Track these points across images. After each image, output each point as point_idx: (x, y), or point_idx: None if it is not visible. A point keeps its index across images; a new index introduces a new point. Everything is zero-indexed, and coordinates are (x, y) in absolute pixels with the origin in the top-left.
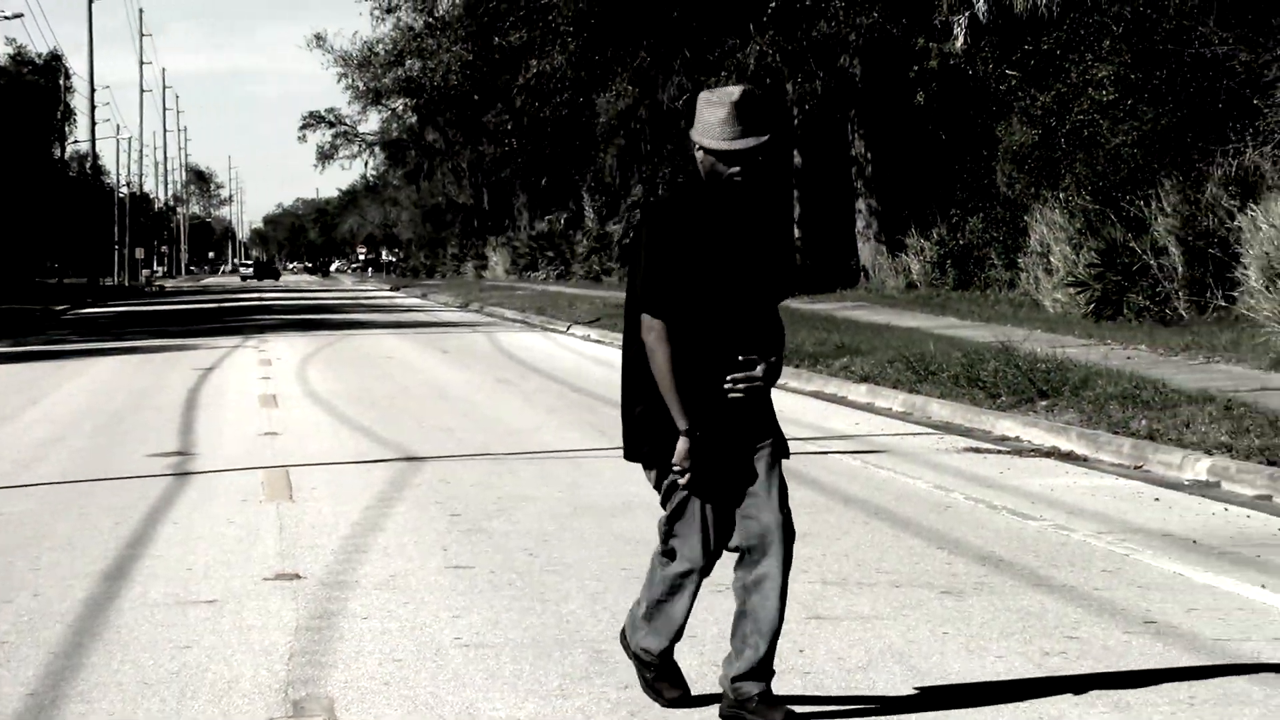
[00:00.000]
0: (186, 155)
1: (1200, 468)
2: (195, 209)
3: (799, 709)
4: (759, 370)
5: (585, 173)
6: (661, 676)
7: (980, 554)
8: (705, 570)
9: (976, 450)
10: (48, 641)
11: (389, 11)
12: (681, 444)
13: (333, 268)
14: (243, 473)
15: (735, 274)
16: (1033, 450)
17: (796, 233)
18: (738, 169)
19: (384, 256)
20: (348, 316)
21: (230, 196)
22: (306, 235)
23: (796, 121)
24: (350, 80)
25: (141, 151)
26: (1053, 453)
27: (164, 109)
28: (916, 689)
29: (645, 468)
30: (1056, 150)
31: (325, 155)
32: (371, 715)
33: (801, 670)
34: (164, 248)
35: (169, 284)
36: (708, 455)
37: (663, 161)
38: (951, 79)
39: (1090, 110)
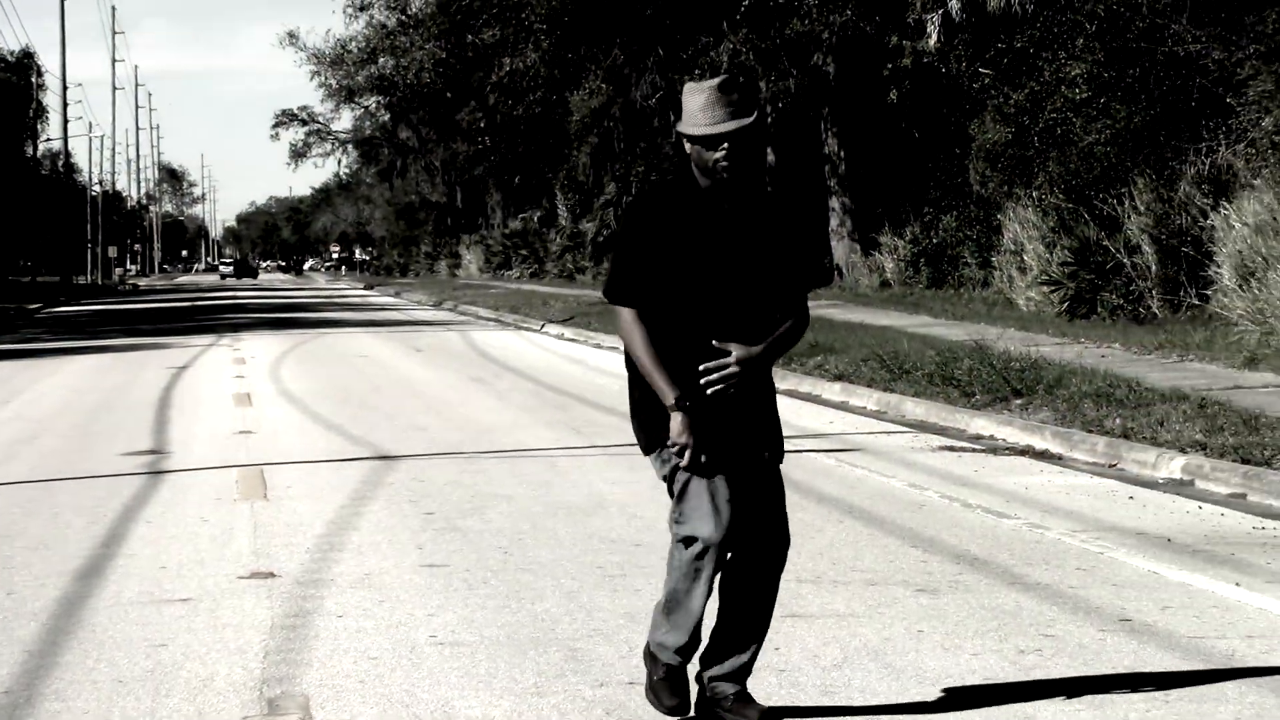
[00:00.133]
0: (159, 153)
1: (1174, 466)
2: (168, 207)
3: (775, 704)
4: (733, 357)
5: (558, 171)
6: (667, 681)
7: (955, 552)
8: (721, 546)
9: (951, 449)
10: (22, 640)
11: (362, 9)
12: (674, 420)
13: (306, 266)
14: (217, 471)
15: (722, 266)
16: (1007, 449)
17: (833, 221)
18: (723, 154)
19: (357, 255)
20: (321, 315)
21: (203, 195)
22: (280, 234)
23: (770, 120)
24: (323, 78)
25: (114, 149)
26: (1027, 451)
27: (136, 107)
28: (892, 687)
29: (648, 454)
30: (1030, 148)
31: (298, 153)
32: (346, 713)
33: (777, 668)
34: (137, 246)
35: (142, 282)
36: (706, 433)
37: (636, 160)
38: (925, 77)
39: (1063, 108)
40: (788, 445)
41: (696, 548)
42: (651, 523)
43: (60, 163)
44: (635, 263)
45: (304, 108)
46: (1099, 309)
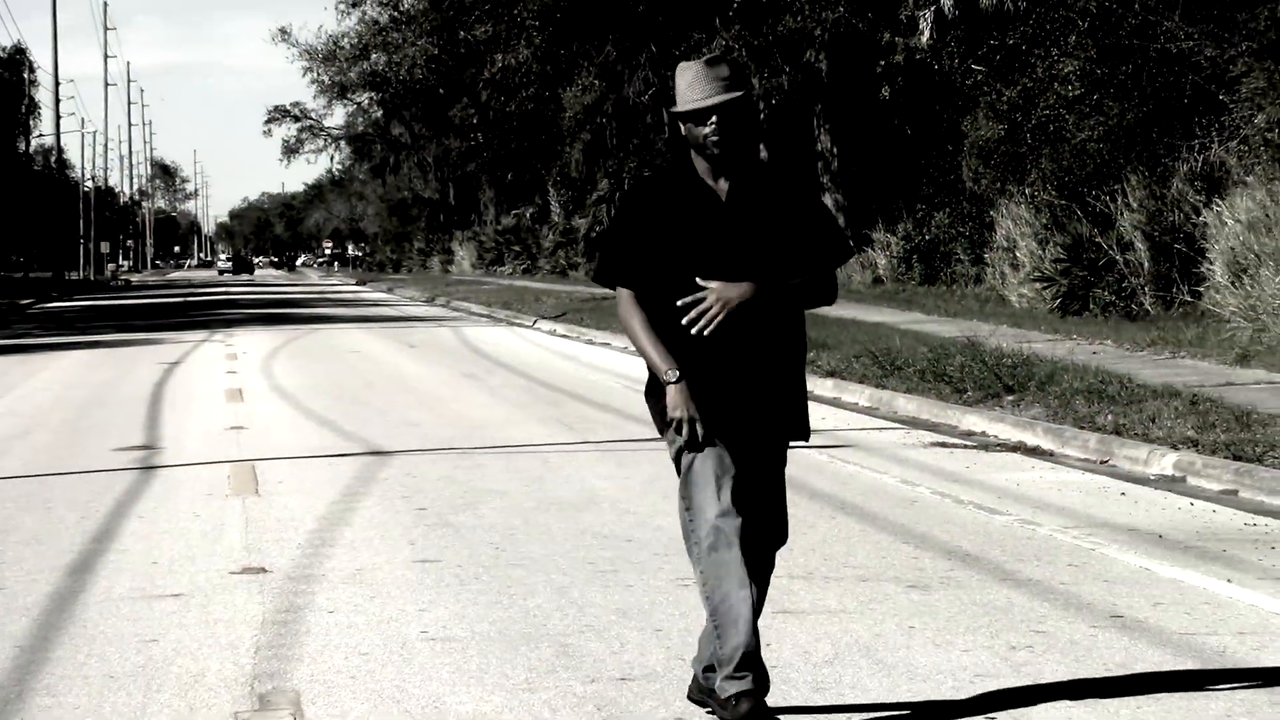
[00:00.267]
0: (151, 149)
1: (1166, 462)
2: (160, 203)
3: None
4: (713, 290)
5: (551, 167)
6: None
7: (947, 548)
8: (734, 522)
9: (943, 445)
10: (13, 635)
11: (354, 5)
12: (670, 393)
13: (299, 262)
14: (209, 467)
15: (722, 248)
16: (999, 445)
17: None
18: (712, 129)
19: (350, 251)
20: (314, 311)
21: (195, 191)
22: (272, 230)
23: (762, 116)
24: (315, 74)
25: (106, 145)
26: (1019, 447)
27: (129, 103)
28: (883, 684)
29: (662, 434)
30: (1022, 145)
31: (290, 149)
32: (337, 709)
33: (768, 664)
34: (129, 242)
35: (135, 278)
36: (711, 408)
37: (629, 156)
38: (917, 74)
39: (1056, 105)
40: None
41: (710, 537)
42: (644, 518)
43: (52, 159)
44: (626, 244)
45: (296, 104)
46: (1091, 306)
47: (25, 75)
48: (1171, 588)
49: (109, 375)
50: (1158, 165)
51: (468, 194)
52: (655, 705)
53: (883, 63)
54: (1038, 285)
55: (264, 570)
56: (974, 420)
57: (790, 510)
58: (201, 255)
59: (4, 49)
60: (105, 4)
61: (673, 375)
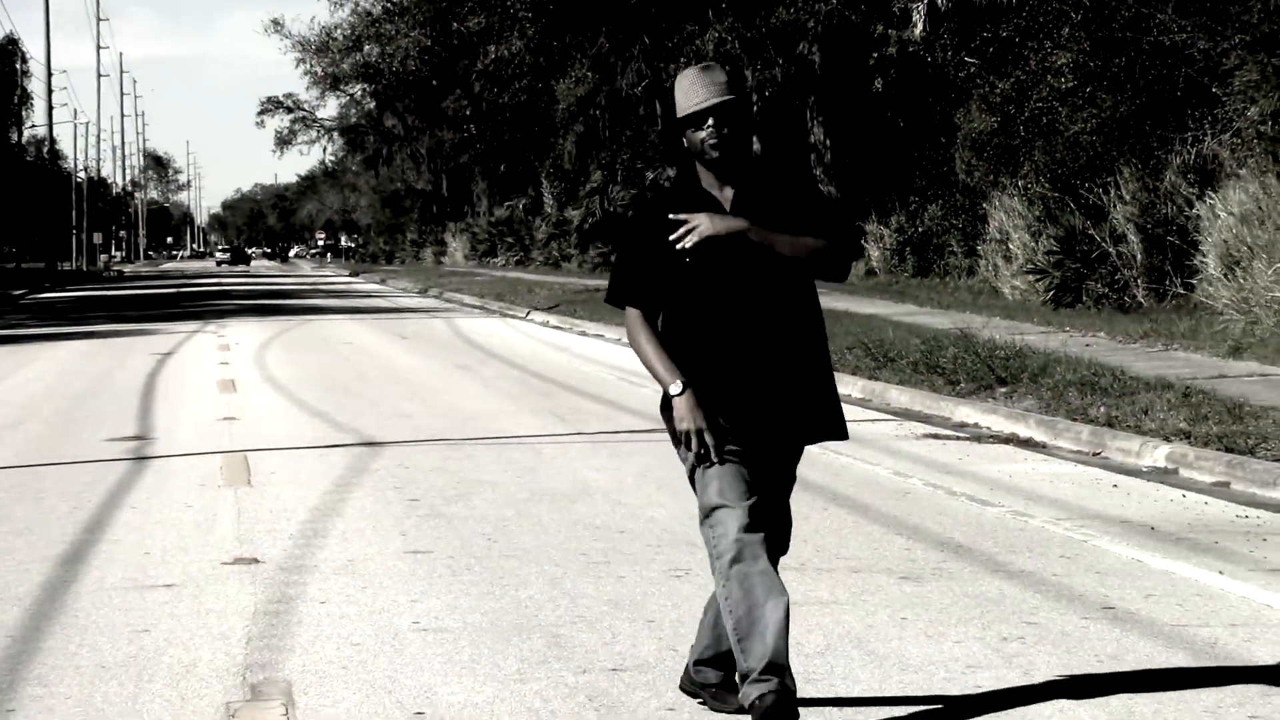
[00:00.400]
0: (144, 140)
1: (1158, 454)
2: (153, 194)
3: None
4: (701, 215)
5: (544, 159)
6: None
7: (939, 540)
8: (759, 535)
9: (935, 436)
10: (5, 625)
11: None
12: (677, 406)
13: (292, 253)
14: (201, 457)
15: (730, 258)
16: (991, 437)
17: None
18: (709, 132)
19: (343, 242)
20: (306, 302)
21: (188, 182)
22: (265, 221)
23: (755, 108)
24: (308, 66)
25: (99, 136)
26: (1011, 439)
27: (121, 94)
28: (875, 675)
29: (678, 445)
30: (1015, 138)
31: (284, 141)
32: (329, 699)
33: None
34: (122, 233)
35: (127, 269)
36: (724, 419)
37: (622, 148)
38: (910, 66)
39: (1049, 98)
40: None
41: (730, 550)
42: (636, 510)
43: (45, 149)
44: (632, 264)
45: (289, 95)
46: (1084, 298)
47: (18, 66)
48: (1163, 579)
49: (102, 366)
50: (1151, 158)
51: (461, 185)
52: (647, 696)
53: (876, 55)
54: (1031, 277)
55: (256, 561)
56: (967, 412)
57: None
58: (194, 246)
59: None
60: None
61: (676, 387)
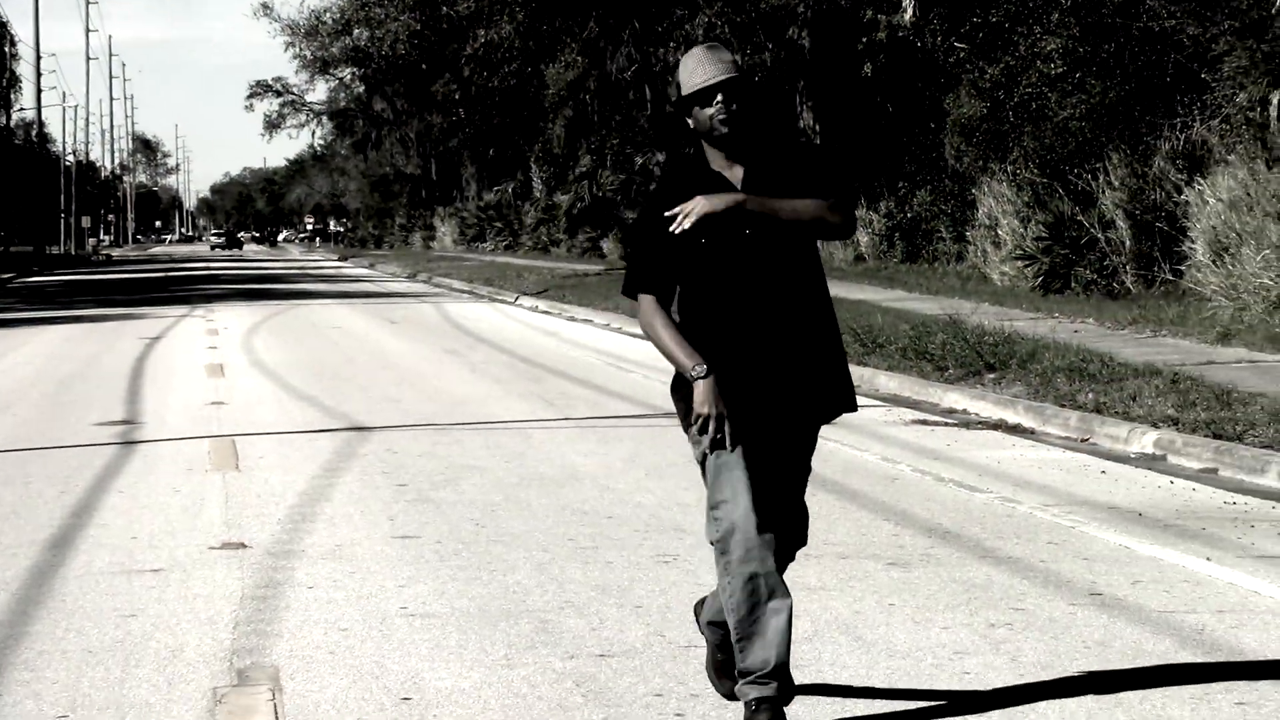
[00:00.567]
0: (133, 124)
1: (1147, 441)
2: (142, 178)
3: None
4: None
5: (533, 143)
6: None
7: (927, 526)
8: (769, 536)
9: (924, 422)
10: None
11: None
12: (698, 389)
13: (280, 238)
14: (189, 442)
15: (742, 242)
16: (980, 423)
17: None
18: (718, 108)
19: (332, 226)
20: (295, 286)
21: (177, 165)
22: (254, 205)
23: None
24: (297, 49)
25: (88, 120)
26: (1000, 425)
27: (110, 77)
28: (862, 660)
29: (687, 429)
30: (1005, 123)
31: (272, 124)
32: (316, 684)
33: None
34: (111, 216)
35: (116, 253)
36: (740, 406)
37: (611, 133)
38: (900, 51)
39: (1038, 83)
40: None
41: (738, 549)
42: (624, 495)
43: (33, 133)
44: (647, 252)
45: (278, 79)
46: (1073, 284)
47: (6, 49)
48: (1151, 566)
49: (90, 350)
50: (1139, 143)
51: (450, 170)
52: (634, 681)
53: (865, 40)
54: (1019, 263)
55: (244, 545)
56: (955, 398)
57: None
58: (183, 230)
59: None
60: None
61: (700, 370)
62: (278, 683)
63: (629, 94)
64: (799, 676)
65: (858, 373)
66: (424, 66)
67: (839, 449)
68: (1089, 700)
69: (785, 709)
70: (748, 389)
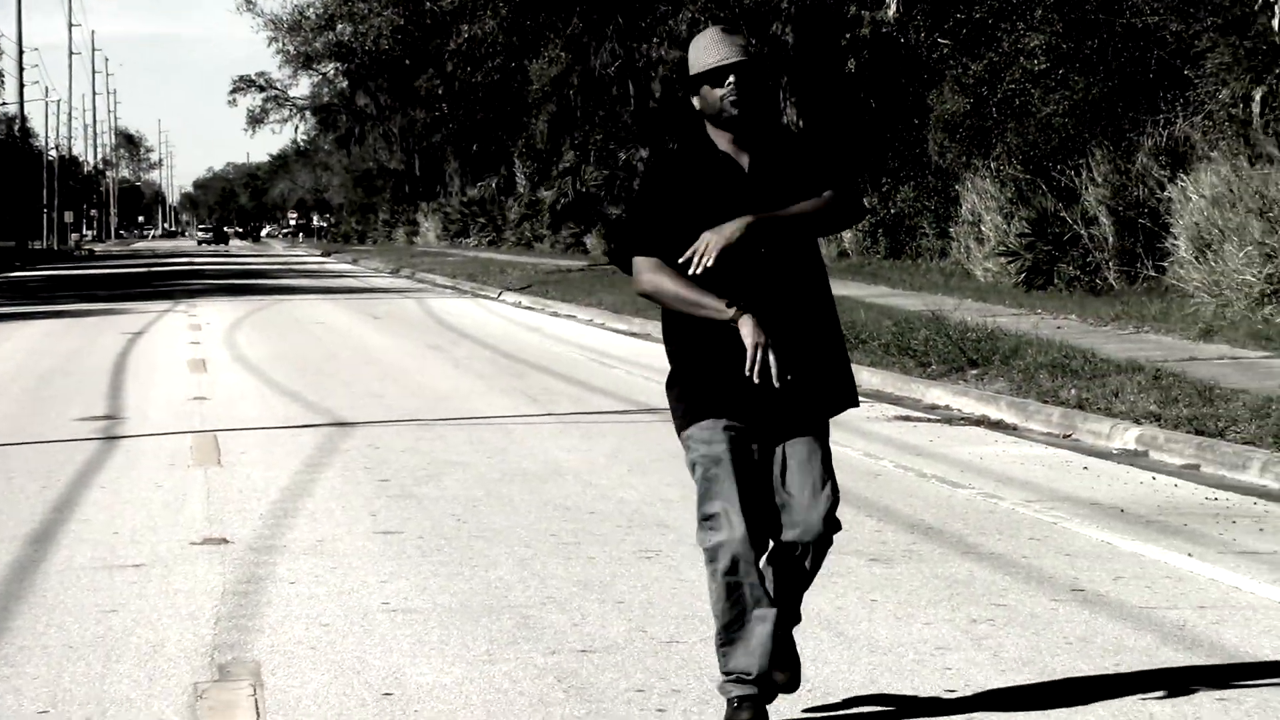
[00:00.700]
0: (116, 118)
1: (1129, 437)
2: (125, 173)
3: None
4: (704, 235)
5: (517, 139)
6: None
7: (909, 522)
8: (756, 548)
9: (906, 418)
10: None
11: None
12: (745, 322)
13: (264, 233)
14: (171, 437)
15: (752, 254)
16: (962, 419)
17: None
18: (730, 89)
19: (315, 222)
20: (278, 282)
21: (160, 160)
22: (237, 200)
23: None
24: (281, 44)
25: (70, 114)
26: (982, 421)
27: (93, 72)
28: (844, 656)
29: (682, 430)
30: (988, 119)
31: (255, 120)
32: (297, 679)
33: None
34: (93, 211)
35: (98, 248)
36: (739, 402)
37: (595, 128)
38: (883, 47)
39: (1022, 79)
40: None
41: (723, 560)
42: (606, 491)
43: (16, 127)
44: (650, 216)
45: (262, 74)
46: (1056, 280)
47: None
48: (1132, 561)
49: (72, 345)
50: (1123, 140)
51: (433, 165)
52: (616, 677)
53: (849, 35)
54: (1003, 259)
55: (225, 541)
56: (938, 394)
57: None
58: (166, 225)
59: None
60: None
61: (734, 308)
62: (259, 678)
63: (612, 89)
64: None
65: None
66: (407, 62)
67: None
68: (1070, 697)
69: (767, 706)
70: (749, 382)
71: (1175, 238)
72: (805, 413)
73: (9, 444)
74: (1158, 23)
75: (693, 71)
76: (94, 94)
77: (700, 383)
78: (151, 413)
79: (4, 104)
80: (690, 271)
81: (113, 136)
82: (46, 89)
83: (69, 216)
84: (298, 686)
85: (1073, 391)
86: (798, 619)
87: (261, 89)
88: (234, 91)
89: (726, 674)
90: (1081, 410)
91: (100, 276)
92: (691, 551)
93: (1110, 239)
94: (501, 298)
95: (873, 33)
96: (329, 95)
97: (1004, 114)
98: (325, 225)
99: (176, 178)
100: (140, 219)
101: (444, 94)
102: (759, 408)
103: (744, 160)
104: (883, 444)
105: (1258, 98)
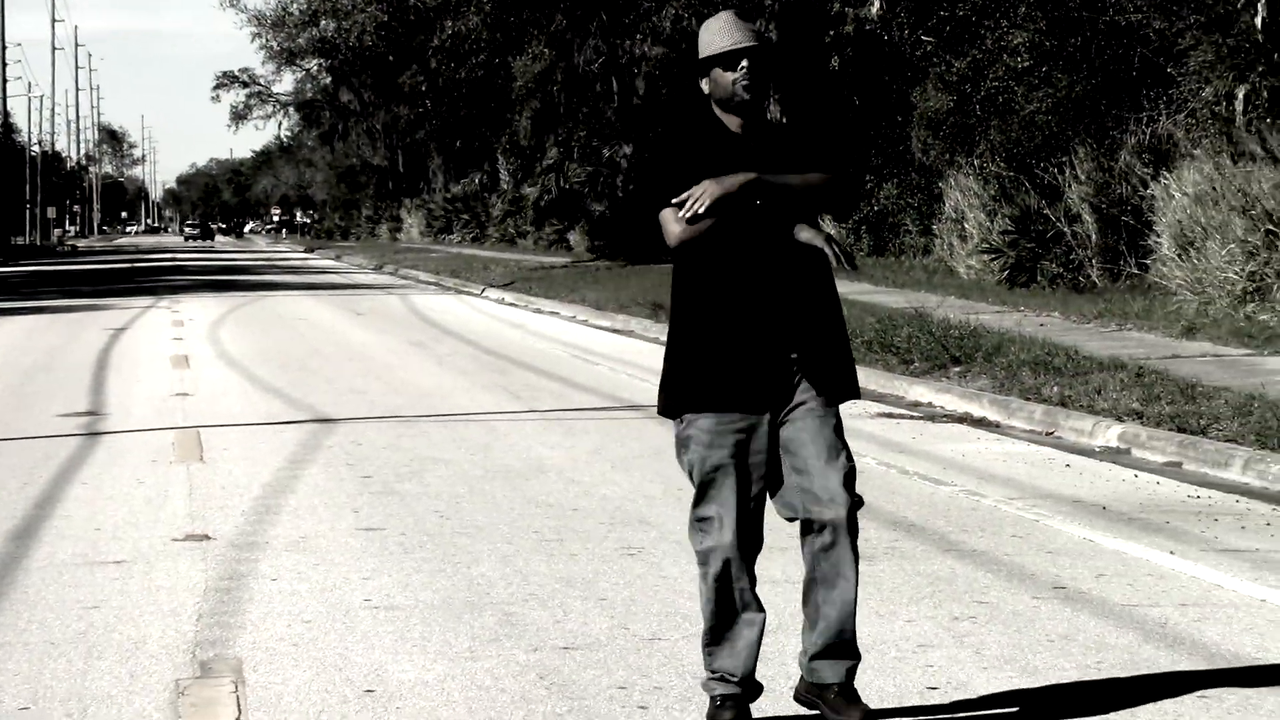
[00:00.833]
0: (99, 114)
1: (1111, 434)
2: (108, 169)
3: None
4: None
5: (501, 135)
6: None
7: (891, 519)
8: (746, 555)
9: (889, 416)
10: None
11: None
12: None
13: (247, 229)
14: (153, 433)
15: (747, 207)
16: (945, 416)
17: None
18: (742, 73)
19: (298, 218)
20: (261, 278)
21: (143, 156)
22: (220, 196)
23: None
24: (264, 40)
25: (54, 110)
26: (965, 419)
27: (76, 67)
28: None
29: (674, 416)
30: (971, 117)
31: (239, 116)
32: (279, 676)
33: None
34: (76, 207)
35: (81, 244)
36: (741, 385)
37: (578, 125)
38: (867, 44)
39: (1005, 77)
40: None
41: (715, 565)
42: (589, 488)
43: None
44: (671, 172)
45: (245, 70)
46: (1039, 277)
47: None
48: (1115, 559)
49: (54, 341)
50: (1106, 137)
51: (417, 162)
52: (598, 674)
53: (832, 33)
54: (986, 257)
55: (207, 537)
56: (920, 391)
57: None
58: (149, 221)
59: None
60: None
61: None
62: (240, 675)
63: (596, 86)
64: (762, 669)
65: None
66: (391, 58)
67: None
68: (1051, 694)
69: (750, 705)
70: (751, 358)
71: (1158, 235)
72: (812, 386)
73: None
74: (1141, 20)
75: (704, 54)
76: (77, 90)
77: (706, 366)
78: (134, 409)
79: None
80: (682, 214)
81: (96, 132)
82: (29, 84)
83: (52, 212)
84: (279, 683)
85: (1055, 389)
86: (856, 656)
87: (245, 85)
88: (217, 87)
89: (712, 672)
90: (1064, 408)
91: (83, 272)
92: (674, 549)
93: (1093, 236)
94: (485, 294)
95: (856, 30)
96: (312, 91)
97: (987, 111)
98: (309, 221)
99: (160, 174)
100: (123, 215)
101: (427, 90)
102: (764, 388)
103: (751, 143)
104: (865, 441)
105: (1240, 95)
